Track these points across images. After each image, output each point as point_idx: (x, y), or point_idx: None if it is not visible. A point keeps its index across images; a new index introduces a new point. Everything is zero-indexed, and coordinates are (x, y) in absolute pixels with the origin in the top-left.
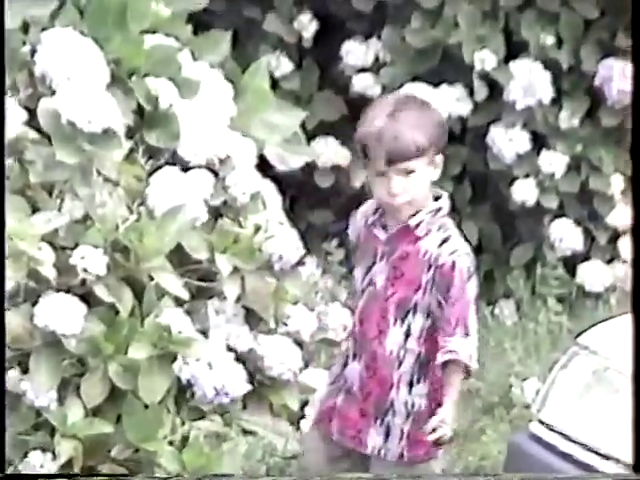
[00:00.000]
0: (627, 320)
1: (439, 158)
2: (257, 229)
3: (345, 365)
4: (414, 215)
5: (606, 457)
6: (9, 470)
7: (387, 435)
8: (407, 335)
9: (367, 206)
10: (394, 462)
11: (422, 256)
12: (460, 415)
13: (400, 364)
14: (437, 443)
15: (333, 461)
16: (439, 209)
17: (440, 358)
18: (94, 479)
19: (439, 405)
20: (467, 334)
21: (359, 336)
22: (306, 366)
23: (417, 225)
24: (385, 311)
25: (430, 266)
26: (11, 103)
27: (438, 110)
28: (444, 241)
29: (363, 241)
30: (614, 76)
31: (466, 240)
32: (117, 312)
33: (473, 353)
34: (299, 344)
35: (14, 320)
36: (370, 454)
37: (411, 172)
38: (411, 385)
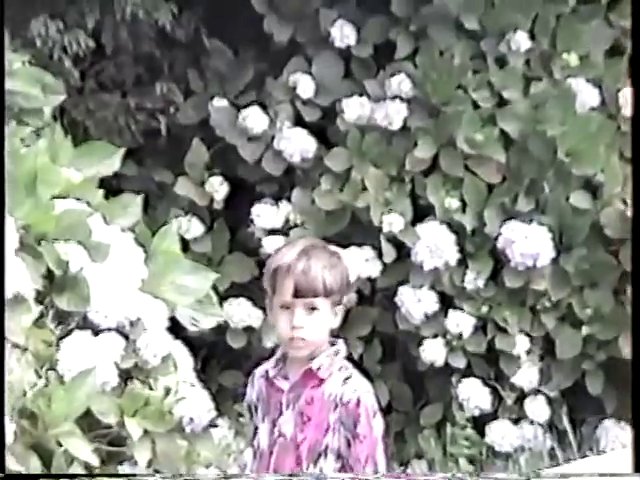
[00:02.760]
0: None
1: (340, 308)
2: (168, 391)
3: None
4: (313, 359)
5: None
6: None
7: None
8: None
9: (265, 365)
10: None
11: (327, 397)
12: None
13: None
14: None
15: None
16: (337, 351)
17: None
18: (97, 479)
19: None
20: (377, 471)
21: None
22: None
23: (319, 368)
24: (299, 458)
25: (336, 405)
26: None
27: (345, 263)
28: (347, 379)
29: (266, 396)
30: (516, 239)
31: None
32: None
33: None
34: None
35: None
36: None
37: (315, 309)
38: None
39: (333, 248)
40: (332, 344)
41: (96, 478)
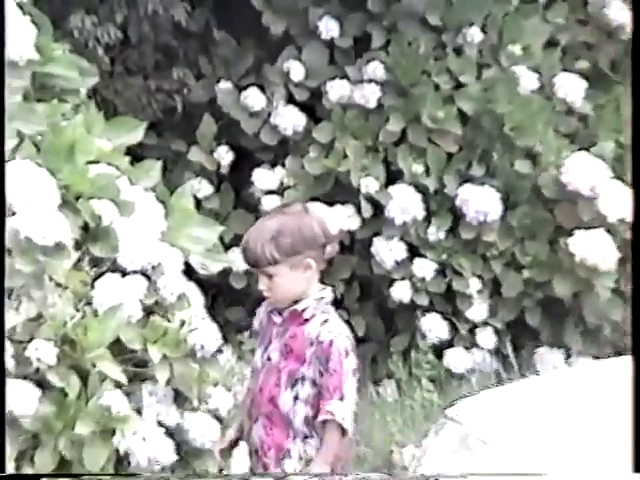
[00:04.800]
0: (485, 396)
1: (308, 262)
2: (183, 323)
3: (249, 430)
4: (299, 301)
5: None
6: None
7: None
8: (295, 399)
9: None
10: None
11: (307, 335)
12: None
13: (291, 423)
14: None
15: None
16: (322, 298)
17: (319, 417)
18: (94, 478)
19: None
20: (342, 399)
21: (258, 402)
22: None
23: (304, 310)
24: (278, 379)
25: (312, 342)
26: None
27: (312, 223)
28: (325, 322)
29: (265, 326)
30: (470, 198)
31: (350, 327)
32: (66, 395)
33: (347, 415)
34: (219, 419)
35: None
36: None
37: (272, 275)
38: (305, 438)
39: (294, 212)
40: (323, 289)
41: (98, 477)
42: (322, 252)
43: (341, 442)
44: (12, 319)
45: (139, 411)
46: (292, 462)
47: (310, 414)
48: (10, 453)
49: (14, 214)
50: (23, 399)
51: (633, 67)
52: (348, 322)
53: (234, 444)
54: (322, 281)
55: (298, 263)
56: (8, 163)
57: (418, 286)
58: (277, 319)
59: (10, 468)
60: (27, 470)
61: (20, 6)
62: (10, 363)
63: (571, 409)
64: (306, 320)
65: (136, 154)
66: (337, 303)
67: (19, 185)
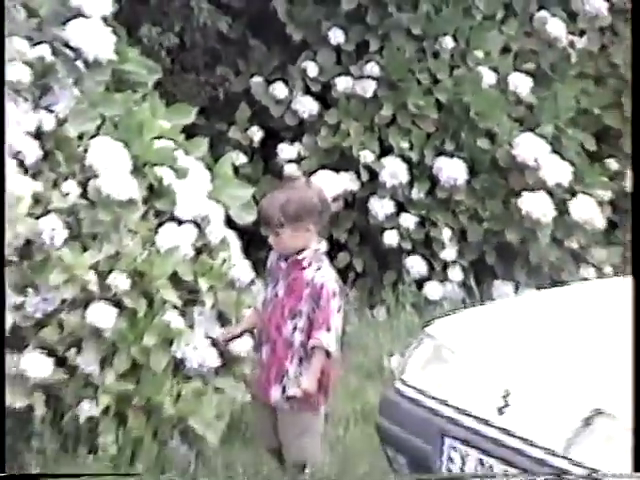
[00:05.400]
0: (452, 317)
1: (308, 227)
2: (224, 261)
3: (259, 348)
4: (301, 252)
5: (439, 400)
6: (70, 412)
7: (283, 392)
8: (294, 329)
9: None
10: (288, 409)
11: (304, 278)
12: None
13: (291, 346)
14: (292, 397)
15: (261, 410)
16: (318, 249)
17: (309, 343)
18: (97, 478)
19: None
20: (329, 330)
21: (266, 328)
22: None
23: (303, 259)
24: (282, 313)
25: (308, 284)
26: (71, 183)
27: (313, 197)
28: (318, 269)
29: (274, 268)
30: (444, 167)
31: (341, 271)
32: (136, 313)
33: (332, 342)
34: (252, 333)
35: (72, 319)
36: (273, 405)
37: (277, 234)
38: (301, 360)
39: (298, 186)
40: (320, 242)
41: (100, 477)
42: (320, 217)
43: (327, 362)
44: (97, 256)
45: (191, 327)
46: (290, 381)
47: (305, 341)
48: (94, 358)
49: (97, 177)
50: (104, 316)
51: (633, 67)
52: (350, 262)
53: (231, 339)
54: (330, 230)
55: (299, 227)
56: (93, 139)
57: (404, 234)
58: (283, 264)
59: (95, 369)
60: (109, 372)
61: (104, 19)
62: (95, 289)
63: (520, 327)
64: (304, 267)
65: (189, 132)
66: (341, 247)
67: (101, 154)
